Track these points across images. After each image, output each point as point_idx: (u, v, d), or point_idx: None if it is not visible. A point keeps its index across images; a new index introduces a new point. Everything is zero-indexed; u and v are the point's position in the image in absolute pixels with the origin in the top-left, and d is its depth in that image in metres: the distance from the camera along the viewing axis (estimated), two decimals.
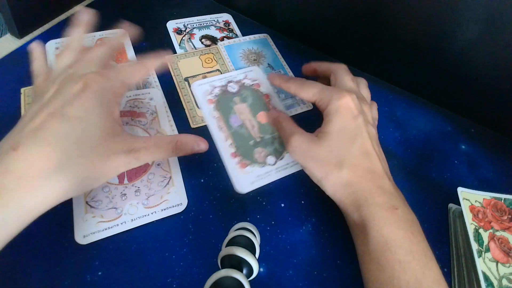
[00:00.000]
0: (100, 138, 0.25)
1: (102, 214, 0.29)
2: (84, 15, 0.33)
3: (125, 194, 0.31)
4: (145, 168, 0.32)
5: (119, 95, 0.29)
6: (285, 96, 0.41)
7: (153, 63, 0.32)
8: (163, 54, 0.33)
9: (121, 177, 0.31)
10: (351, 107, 0.30)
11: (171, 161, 0.33)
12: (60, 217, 0.28)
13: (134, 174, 0.32)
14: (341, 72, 0.35)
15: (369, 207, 0.27)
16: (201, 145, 0.29)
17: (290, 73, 0.44)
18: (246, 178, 0.33)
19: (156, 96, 0.37)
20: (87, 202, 0.29)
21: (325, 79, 0.37)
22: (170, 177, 0.32)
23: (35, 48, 0.33)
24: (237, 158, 0.34)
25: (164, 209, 0.30)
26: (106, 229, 0.29)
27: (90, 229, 0.28)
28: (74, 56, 0.30)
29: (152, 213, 0.30)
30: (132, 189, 0.31)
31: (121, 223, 0.29)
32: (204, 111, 0.37)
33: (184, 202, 0.31)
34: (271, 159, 0.35)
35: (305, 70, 0.41)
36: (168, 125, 0.36)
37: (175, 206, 0.31)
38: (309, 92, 0.33)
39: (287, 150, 0.32)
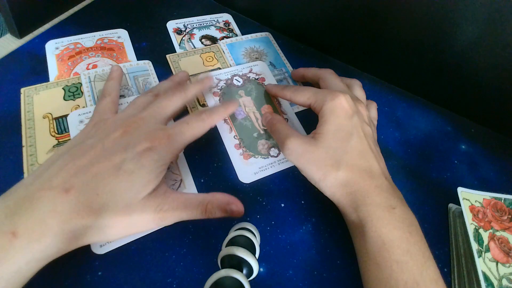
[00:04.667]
0: (139, 197, 0.25)
1: None
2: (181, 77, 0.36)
3: None
4: None
5: (177, 157, 0.30)
6: None
7: (220, 115, 0.32)
8: (230, 106, 0.33)
9: None
10: (345, 107, 0.30)
11: (181, 164, 0.33)
12: None
13: None
14: (329, 76, 0.35)
15: (367, 207, 0.27)
16: (234, 209, 0.27)
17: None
18: (250, 169, 0.34)
19: None
20: None
21: (314, 85, 0.37)
22: (181, 180, 0.32)
23: (117, 70, 0.36)
24: (241, 150, 0.35)
25: None
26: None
27: None
28: (148, 100, 0.31)
29: None
30: None
31: None
32: (209, 104, 0.38)
33: None
34: (274, 151, 0.36)
35: (294, 76, 0.42)
36: None
37: None
38: (303, 96, 0.33)
39: (283, 153, 0.31)
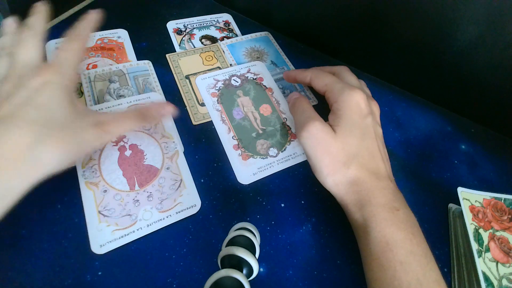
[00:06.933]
0: (66, 119, 0.26)
1: (117, 222, 0.29)
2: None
3: (137, 200, 0.30)
4: (155, 173, 0.32)
5: (75, 80, 0.29)
6: (290, 91, 0.41)
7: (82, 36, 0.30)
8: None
9: (131, 184, 0.31)
10: (361, 106, 0.30)
11: (181, 164, 0.33)
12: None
13: (144, 179, 0.32)
14: (345, 73, 0.35)
15: (371, 208, 0.27)
16: (167, 108, 0.31)
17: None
18: (248, 169, 0.34)
19: (156, 99, 0.37)
20: (99, 212, 0.29)
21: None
22: (181, 180, 0.32)
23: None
24: (240, 150, 0.35)
25: (179, 212, 0.30)
26: (122, 236, 0.28)
27: (106, 238, 0.28)
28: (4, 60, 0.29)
29: (167, 217, 0.30)
30: (144, 195, 0.31)
31: (137, 229, 0.29)
32: (207, 104, 0.38)
33: (198, 203, 0.31)
34: (273, 150, 0.35)
35: (286, 78, 0.41)
36: (172, 128, 0.35)
37: (189, 208, 0.31)
38: (322, 82, 0.33)
39: (300, 135, 0.31)
